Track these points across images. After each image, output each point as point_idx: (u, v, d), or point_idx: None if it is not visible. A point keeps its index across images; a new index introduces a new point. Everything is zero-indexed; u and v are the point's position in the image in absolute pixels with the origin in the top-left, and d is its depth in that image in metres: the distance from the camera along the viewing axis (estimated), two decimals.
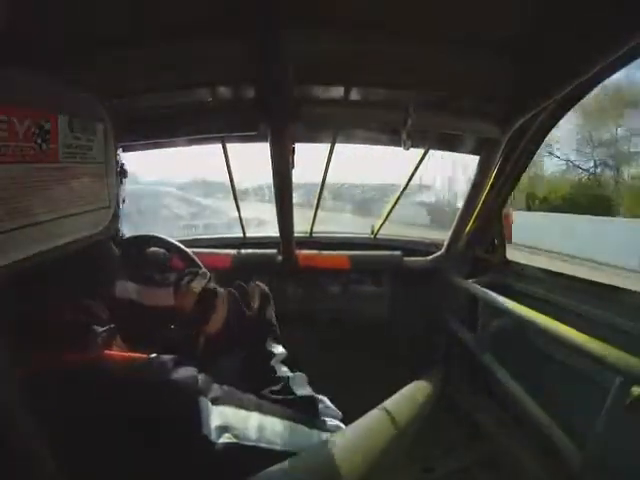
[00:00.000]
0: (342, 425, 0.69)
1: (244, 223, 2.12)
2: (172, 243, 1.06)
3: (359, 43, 1.04)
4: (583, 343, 1.07)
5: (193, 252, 1.10)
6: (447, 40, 1.04)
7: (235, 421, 0.52)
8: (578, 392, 1.29)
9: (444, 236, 2.02)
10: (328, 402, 0.73)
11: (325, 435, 0.62)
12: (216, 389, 0.55)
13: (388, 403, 1.21)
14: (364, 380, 1.80)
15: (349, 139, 1.65)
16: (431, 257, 2.05)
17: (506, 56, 1.09)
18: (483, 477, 1.47)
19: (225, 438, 0.49)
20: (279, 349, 0.86)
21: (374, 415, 1.04)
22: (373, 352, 1.99)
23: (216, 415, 0.51)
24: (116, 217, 0.62)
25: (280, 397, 0.67)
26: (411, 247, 2.13)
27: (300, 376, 0.77)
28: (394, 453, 0.98)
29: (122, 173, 0.70)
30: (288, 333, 1.94)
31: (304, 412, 0.65)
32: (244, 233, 2.14)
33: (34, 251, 0.45)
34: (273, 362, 0.81)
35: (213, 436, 0.48)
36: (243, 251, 1.95)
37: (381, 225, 2.16)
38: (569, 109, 1.37)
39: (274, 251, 1.94)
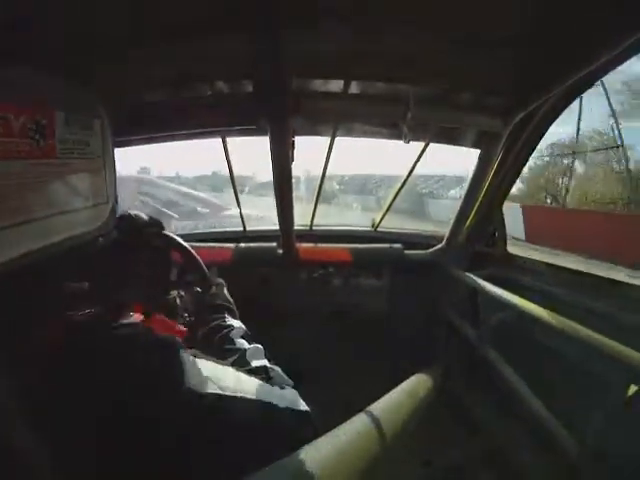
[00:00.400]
0: (293, 390, 0.71)
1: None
2: (172, 238, 1.06)
3: (359, 36, 1.03)
4: (584, 337, 1.08)
5: (193, 246, 1.11)
6: (447, 33, 1.03)
7: (215, 372, 0.55)
8: (578, 386, 1.30)
9: None
10: (280, 371, 0.75)
11: (281, 392, 0.65)
12: (191, 350, 0.57)
13: (388, 396, 1.23)
14: (364, 373, 1.82)
15: (349, 132, 1.64)
16: (432, 250, 2.06)
17: (507, 49, 1.08)
18: (483, 471, 1.48)
19: (210, 389, 0.52)
20: (237, 324, 0.92)
21: (374, 408, 1.05)
22: (373, 345, 2.00)
23: (199, 367, 0.53)
24: (114, 213, 0.62)
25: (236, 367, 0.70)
26: (412, 240, 2.13)
27: (256, 348, 0.80)
28: (394, 446, 0.98)
29: None
30: (288, 326, 1.96)
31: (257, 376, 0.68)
32: (244, 226, 2.14)
33: (32, 248, 0.45)
34: (232, 334, 0.86)
35: (199, 387, 0.51)
36: (243, 244, 1.95)
37: (382, 218, 2.16)
38: (570, 103, 1.37)
39: (274, 244, 1.94)
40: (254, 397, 0.57)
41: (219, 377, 0.55)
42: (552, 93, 1.20)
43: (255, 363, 0.75)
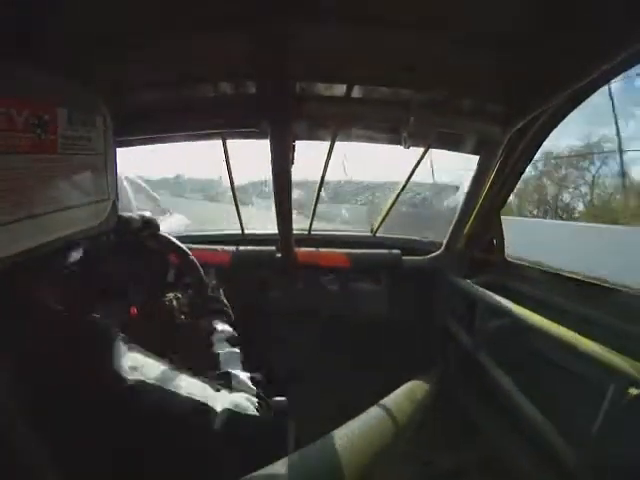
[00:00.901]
0: (251, 396, 0.69)
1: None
2: (170, 240, 1.05)
3: (361, 41, 1.03)
4: (581, 344, 1.08)
5: (191, 248, 1.10)
6: (449, 40, 1.03)
7: (145, 365, 0.54)
8: (575, 393, 1.29)
9: None
10: (246, 379, 0.74)
11: (225, 394, 0.63)
12: (133, 345, 0.57)
13: (385, 402, 1.22)
14: (361, 378, 1.80)
15: (349, 137, 1.65)
16: (430, 256, 2.06)
17: (508, 57, 1.08)
18: (479, 476, 1.47)
19: (135, 376, 0.51)
20: (223, 327, 0.91)
21: (371, 413, 1.04)
22: (371, 350, 1.99)
23: (129, 358, 0.53)
24: (115, 210, 0.61)
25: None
26: (410, 246, 2.13)
27: (231, 353, 0.80)
28: (391, 451, 0.98)
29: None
30: (286, 330, 1.95)
31: (217, 383, 0.67)
32: (242, 230, 2.14)
33: (33, 244, 0.44)
34: (214, 338, 0.86)
35: (124, 373, 0.51)
36: (242, 248, 1.94)
37: (380, 223, 2.16)
38: (570, 112, 1.38)
39: (272, 248, 1.94)
40: (177, 391, 0.55)
41: (147, 369, 0.54)
42: (551, 102, 1.21)
43: (224, 369, 0.75)
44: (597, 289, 1.41)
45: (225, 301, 1.05)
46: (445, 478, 1.50)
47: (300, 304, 2.01)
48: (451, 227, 1.93)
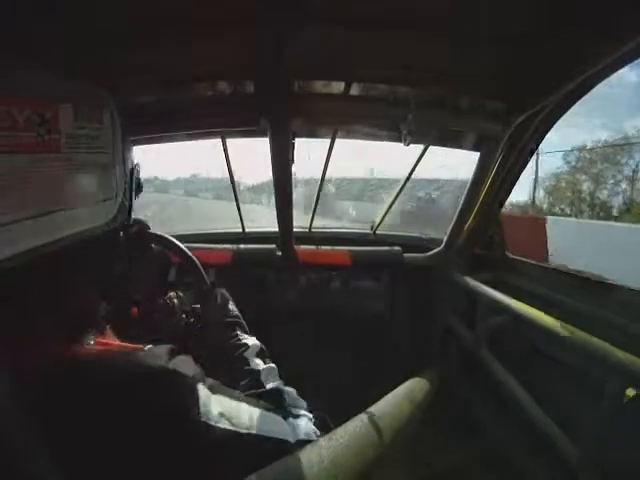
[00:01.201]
0: (308, 414, 0.71)
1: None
2: (171, 241, 1.06)
3: (359, 39, 1.03)
4: (581, 341, 1.08)
5: (191, 247, 1.10)
6: (448, 36, 1.03)
7: (230, 409, 0.55)
8: (576, 389, 1.30)
9: None
10: (294, 393, 0.75)
11: (294, 422, 0.65)
12: (208, 380, 0.57)
13: (386, 399, 1.22)
14: (362, 375, 1.81)
15: (349, 134, 1.65)
16: (430, 253, 2.06)
17: (507, 53, 1.08)
18: (481, 474, 1.48)
19: (224, 424, 0.52)
20: (252, 341, 0.90)
21: (372, 411, 1.04)
22: (372, 348, 1.99)
23: (214, 402, 0.53)
24: (124, 209, 0.61)
25: (251, 391, 0.71)
26: (411, 243, 2.14)
27: (270, 369, 0.81)
28: (392, 449, 0.98)
29: (137, 187, 0.68)
30: (287, 328, 1.96)
31: (271, 403, 0.68)
32: (243, 228, 2.14)
33: (36, 243, 0.44)
34: (247, 354, 0.85)
35: (213, 421, 0.51)
36: (242, 246, 1.95)
37: (381, 221, 2.16)
38: (570, 107, 1.37)
39: (273, 246, 1.94)
40: (267, 434, 0.57)
41: (232, 414, 0.54)
42: (551, 98, 1.20)
43: (269, 385, 0.76)
44: (598, 285, 1.41)
45: (236, 311, 1.03)
46: (447, 476, 1.50)
47: (301, 302, 2.01)
48: (452, 224, 1.93)
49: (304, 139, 1.59)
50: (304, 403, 0.74)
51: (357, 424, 0.91)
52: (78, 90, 0.51)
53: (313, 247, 2.01)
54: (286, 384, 0.79)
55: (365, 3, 0.91)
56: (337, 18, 0.93)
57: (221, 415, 0.52)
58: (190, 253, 1.07)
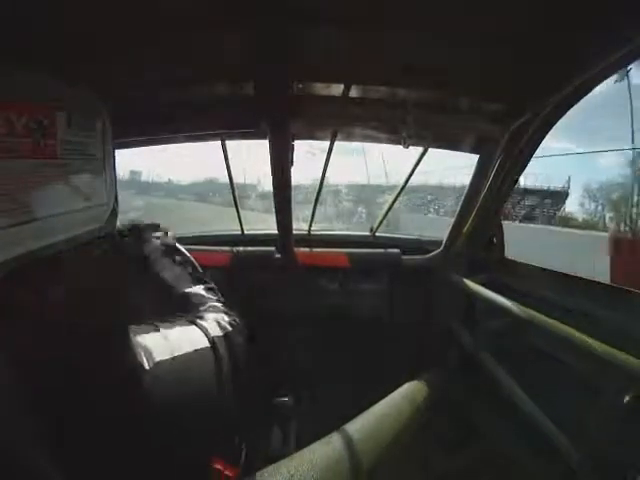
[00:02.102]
0: (218, 305, 0.78)
1: None
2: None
3: (358, 40, 1.03)
4: (581, 342, 1.08)
5: (190, 249, 1.10)
6: (447, 39, 1.03)
7: (153, 345, 0.54)
8: (576, 391, 1.30)
9: None
10: (200, 291, 0.82)
11: (202, 324, 0.67)
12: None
13: (386, 401, 1.22)
14: (362, 378, 1.81)
15: (348, 137, 1.65)
16: (429, 255, 2.06)
17: (506, 55, 1.08)
18: (481, 475, 1.48)
19: (152, 361, 0.51)
20: (153, 246, 0.92)
21: (372, 413, 1.04)
22: (371, 350, 1.99)
23: (137, 345, 0.53)
24: (114, 214, 0.61)
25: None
26: (410, 245, 2.14)
27: (178, 271, 0.88)
28: (392, 450, 0.98)
29: None
30: (286, 330, 1.95)
31: (181, 311, 0.72)
32: (242, 230, 2.14)
33: (29, 249, 0.44)
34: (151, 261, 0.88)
35: (145, 363, 0.50)
36: (242, 248, 1.95)
37: (380, 223, 2.16)
38: (569, 109, 1.37)
39: (272, 248, 1.94)
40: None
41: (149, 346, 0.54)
42: (550, 100, 1.21)
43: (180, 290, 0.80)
44: (597, 287, 1.41)
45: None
46: (447, 478, 1.50)
47: (300, 304, 2.01)
48: (451, 226, 1.93)
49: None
50: (212, 297, 0.80)
51: (357, 426, 0.91)
52: (72, 95, 0.52)
53: (312, 249, 2.01)
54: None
55: (365, 4, 0.91)
56: (337, 19, 0.93)
57: (144, 355, 0.52)
58: (187, 253, 1.06)
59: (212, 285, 0.85)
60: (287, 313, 1.99)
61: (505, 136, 1.41)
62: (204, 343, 0.61)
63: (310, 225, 2.14)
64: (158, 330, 0.58)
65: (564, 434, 1.16)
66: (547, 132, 1.51)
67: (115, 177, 0.62)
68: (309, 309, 2.01)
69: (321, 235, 2.19)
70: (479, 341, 1.66)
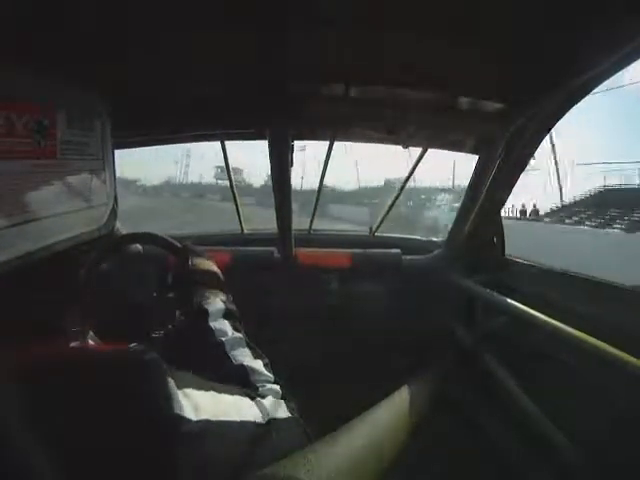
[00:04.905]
0: (274, 387, 0.70)
1: None
2: (169, 242, 1.05)
3: (358, 41, 1.03)
4: (582, 341, 1.08)
5: None
6: (447, 38, 1.03)
7: (197, 399, 0.52)
8: (575, 390, 1.30)
9: None
10: (260, 367, 0.74)
11: (261, 402, 0.63)
12: (175, 372, 0.54)
13: (386, 402, 1.22)
14: (362, 378, 1.81)
15: (349, 136, 1.65)
16: (430, 255, 2.06)
17: (506, 55, 1.08)
18: (481, 474, 1.48)
19: (193, 416, 0.49)
20: (216, 304, 0.82)
21: (372, 413, 1.04)
22: (371, 350, 1.99)
23: (182, 395, 0.50)
24: (114, 214, 0.61)
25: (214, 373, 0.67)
26: (410, 245, 2.14)
27: (235, 339, 0.77)
28: (392, 451, 0.98)
29: None
30: (286, 330, 1.95)
31: (238, 383, 0.67)
32: (242, 229, 2.14)
33: (31, 248, 0.44)
34: (211, 321, 0.78)
35: (184, 414, 0.48)
36: (241, 248, 1.95)
37: (380, 223, 2.16)
38: (568, 109, 1.37)
39: (272, 248, 1.94)
40: (239, 419, 0.55)
41: (200, 405, 0.51)
42: (550, 99, 1.20)
43: (235, 358, 0.73)
44: (597, 286, 1.41)
45: (215, 269, 0.97)
46: (447, 478, 1.50)
47: (300, 304, 2.01)
48: (451, 226, 1.93)
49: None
50: (270, 376, 0.73)
51: (358, 426, 0.91)
52: (72, 96, 0.52)
53: (312, 249, 2.01)
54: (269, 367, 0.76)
55: (365, 4, 0.91)
56: (337, 19, 0.94)
57: (191, 407, 0.50)
58: (177, 243, 1.05)
59: (268, 362, 0.78)
60: (287, 313, 1.98)
61: (505, 136, 1.41)
62: (259, 420, 0.58)
63: (310, 225, 2.14)
64: (210, 391, 0.55)
65: (564, 434, 1.16)
66: (547, 132, 1.50)
67: (115, 177, 0.62)
68: (309, 309, 2.01)
69: (321, 235, 2.19)
70: (479, 341, 1.66)
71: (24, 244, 0.44)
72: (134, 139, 1.50)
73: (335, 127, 1.55)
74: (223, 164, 1.85)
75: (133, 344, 0.57)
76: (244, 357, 0.74)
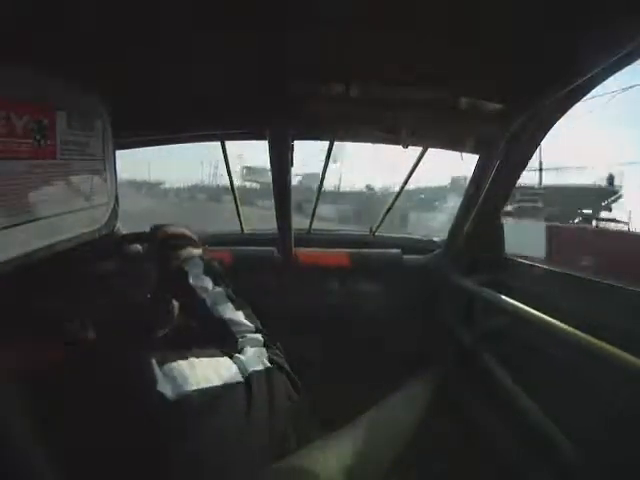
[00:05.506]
0: (257, 336, 0.74)
1: None
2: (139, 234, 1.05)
3: (358, 41, 1.03)
4: (581, 341, 1.08)
5: None
6: (447, 38, 1.03)
7: (179, 374, 0.54)
8: (575, 390, 1.30)
9: None
10: (241, 318, 0.76)
11: (240, 358, 0.65)
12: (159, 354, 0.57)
13: (386, 402, 1.22)
14: (363, 378, 1.81)
15: (349, 136, 1.65)
16: (430, 255, 2.06)
17: (506, 55, 1.08)
18: (480, 474, 1.48)
19: (175, 390, 0.52)
20: (194, 263, 0.81)
21: (372, 414, 1.04)
22: (371, 350, 1.99)
23: (164, 373, 0.53)
24: (115, 214, 0.62)
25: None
26: (410, 245, 2.14)
27: (216, 293, 0.78)
28: (392, 449, 0.98)
29: None
30: (286, 331, 1.95)
31: (220, 337, 0.71)
32: (242, 229, 2.14)
33: (32, 247, 0.44)
34: (191, 280, 0.78)
35: (167, 392, 0.51)
36: (241, 248, 1.95)
37: (380, 223, 2.16)
38: (568, 109, 1.37)
39: (272, 248, 1.94)
40: (216, 383, 0.57)
41: (179, 377, 0.54)
42: (550, 99, 1.20)
43: (219, 312, 0.75)
44: (597, 285, 1.41)
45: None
46: (447, 478, 1.50)
47: (299, 304, 2.01)
48: (451, 225, 1.93)
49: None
50: (250, 325, 0.76)
51: (358, 425, 0.91)
52: (72, 96, 0.52)
53: (312, 249, 2.01)
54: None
55: (365, 4, 0.91)
56: (337, 19, 0.93)
57: (172, 382, 0.52)
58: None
59: (250, 311, 0.81)
60: (287, 313, 1.98)
61: (505, 135, 1.41)
62: (237, 379, 0.60)
63: (310, 224, 2.14)
64: (188, 360, 0.57)
65: (564, 434, 1.16)
66: (547, 132, 1.50)
67: (116, 177, 0.62)
68: (309, 308, 2.01)
69: (321, 235, 2.19)
70: (479, 341, 1.66)
71: (24, 244, 0.44)
72: (134, 139, 1.50)
73: (335, 127, 1.55)
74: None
75: (132, 344, 0.58)
76: (225, 310, 0.76)
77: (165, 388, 0.51)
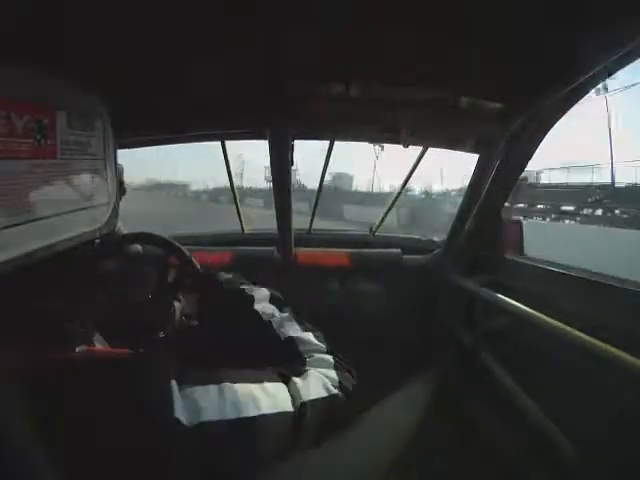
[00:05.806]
0: (327, 357, 0.69)
1: None
2: (169, 242, 1.06)
3: (358, 41, 1.03)
4: (581, 341, 1.08)
5: (190, 249, 1.10)
6: (447, 38, 1.03)
7: (201, 398, 0.49)
8: (575, 390, 1.30)
9: None
10: (310, 338, 0.74)
11: (298, 383, 0.59)
12: (182, 371, 0.52)
13: (386, 402, 1.22)
14: (362, 379, 1.80)
15: (349, 136, 1.65)
16: (430, 255, 2.06)
17: (506, 55, 1.08)
18: (480, 474, 1.48)
19: (194, 418, 0.47)
20: (261, 292, 0.87)
21: (372, 414, 1.04)
22: (371, 350, 1.99)
23: (183, 397, 0.48)
24: (115, 214, 0.61)
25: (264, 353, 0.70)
26: (410, 245, 2.14)
27: (283, 317, 0.79)
28: (392, 450, 0.98)
29: (121, 189, 0.67)
30: None
31: (287, 357, 0.67)
32: (242, 228, 2.14)
33: (31, 248, 0.44)
34: (257, 306, 0.81)
35: (184, 419, 0.46)
36: (242, 248, 1.95)
37: (380, 223, 2.16)
38: (568, 109, 1.37)
39: (272, 248, 1.94)
40: (239, 415, 0.50)
41: (206, 404, 0.49)
42: (550, 99, 1.20)
43: (287, 332, 0.74)
44: (597, 286, 1.41)
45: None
46: (447, 478, 1.50)
47: (300, 304, 2.01)
48: (451, 225, 1.93)
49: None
50: (321, 345, 0.71)
51: (357, 426, 0.91)
52: (72, 95, 0.52)
53: (312, 249, 2.01)
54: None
55: (365, 4, 0.91)
56: (337, 19, 0.93)
57: (192, 409, 0.47)
58: (187, 252, 1.06)
59: (321, 334, 0.78)
60: None
61: (505, 135, 1.41)
62: (285, 408, 0.54)
63: (310, 224, 2.14)
64: (220, 385, 0.51)
65: (564, 434, 1.16)
66: (547, 132, 1.50)
67: (116, 177, 0.62)
68: (308, 309, 2.01)
69: (321, 234, 2.19)
70: (479, 341, 1.66)
71: (25, 244, 0.44)
72: (134, 139, 1.50)
73: (335, 127, 1.55)
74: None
75: (136, 345, 0.57)
76: (291, 330, 0.75)
77: (181, 413, 0.46)
